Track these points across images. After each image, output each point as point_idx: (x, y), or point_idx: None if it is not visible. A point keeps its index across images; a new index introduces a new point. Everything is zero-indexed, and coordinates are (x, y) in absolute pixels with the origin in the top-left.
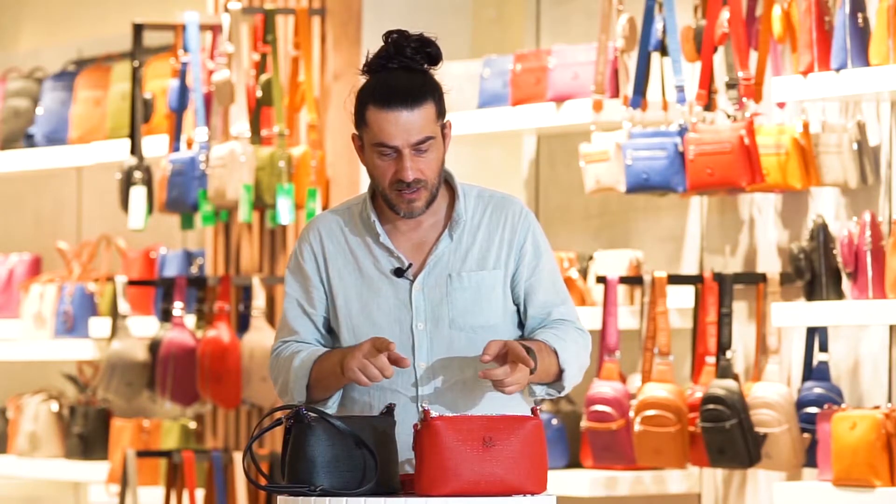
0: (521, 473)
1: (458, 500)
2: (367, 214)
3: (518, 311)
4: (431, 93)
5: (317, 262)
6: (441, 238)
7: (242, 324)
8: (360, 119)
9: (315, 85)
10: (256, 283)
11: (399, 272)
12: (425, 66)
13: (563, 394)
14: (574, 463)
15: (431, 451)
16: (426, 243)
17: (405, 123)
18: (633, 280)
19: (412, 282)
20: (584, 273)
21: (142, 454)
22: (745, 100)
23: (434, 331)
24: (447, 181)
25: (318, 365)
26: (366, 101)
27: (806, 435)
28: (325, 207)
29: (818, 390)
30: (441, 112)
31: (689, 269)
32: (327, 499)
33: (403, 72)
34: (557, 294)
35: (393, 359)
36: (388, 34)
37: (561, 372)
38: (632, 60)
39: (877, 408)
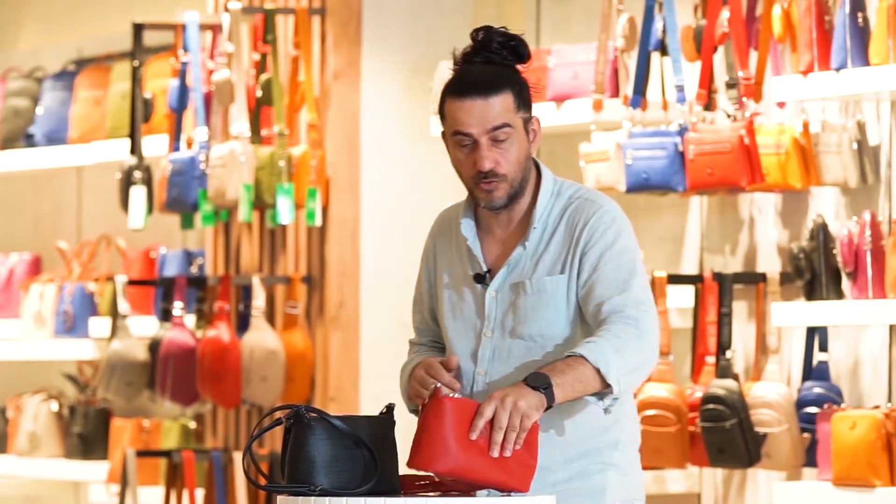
0: (515, 470)
1: (458, 500)
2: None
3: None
4: (510, 83)
5: (428, 258)
6: (518, 244)
7: (242, 323)
8: (441, 112)
9: (315, 85)
10: (256, 282)
11: (479, 278)
12: (512, 61)
13: (620, 394)
14: None
15: (435, 425)
16: (509, 249)
17: (480, 111)
18: None
19: (488, 288)
20: None
21: (142, 454)
22: (745, 99)
23: (499, 339)
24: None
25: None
26: (445, 93)
27: (806, 435)
28: (325, 207)
29: (818, 390)
30: (522, 104)
31: (689, 268)
32: (327, 499)
33: (483, 64)
34: (616, 286)
35: (449, 369)
36: (476, 31)
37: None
38: (632, 60)
39: (877, 408)
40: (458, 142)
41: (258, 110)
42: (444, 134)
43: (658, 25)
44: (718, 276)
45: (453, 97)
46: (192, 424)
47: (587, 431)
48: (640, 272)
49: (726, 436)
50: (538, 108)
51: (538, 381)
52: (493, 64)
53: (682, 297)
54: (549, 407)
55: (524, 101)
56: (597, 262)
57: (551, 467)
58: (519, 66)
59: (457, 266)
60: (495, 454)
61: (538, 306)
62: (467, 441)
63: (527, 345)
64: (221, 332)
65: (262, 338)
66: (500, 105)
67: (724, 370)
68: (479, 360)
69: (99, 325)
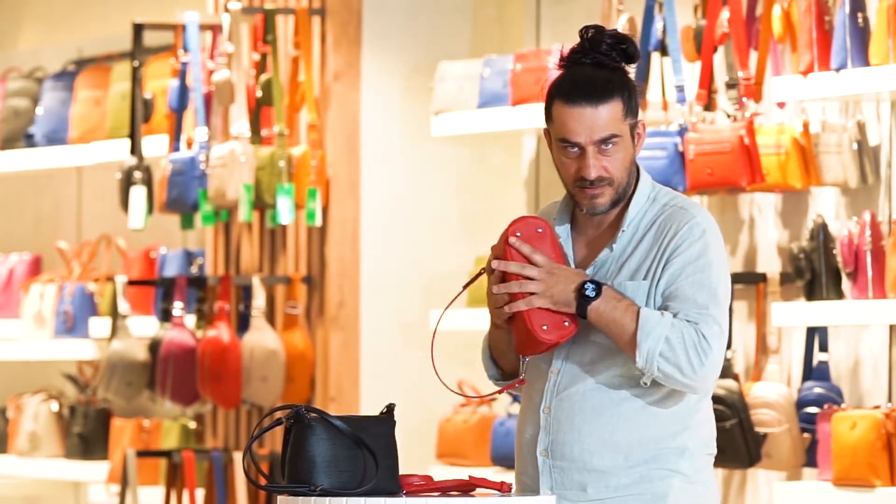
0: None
1: (458, 500)
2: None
3: None
4: (620, 90)
5: None
6: (605, 246)
7: (242, 324)
8: (548, 113)
9: (315, 85)
10: (256, 282)
11: None
12: (621, 63)
13: (646, 373)
14: None
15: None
16: (599, 249)
17: (589, 120)
18: None
19: None
20: None
21: (142, 454)
22: (745, 100)
23: (576, 339)
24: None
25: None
26: (553, 95)
27: (806, 435)
28: (325, 207)
29: (818, 390)
30: (630, 111)
31: None
32: (327, 499)
33: (593, 67)
34: (695, 303)
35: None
36: (585, 29)
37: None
38: None
39: (877, 408)
40: (564, 147)
41: (258, 110)
42: (547, 132)
43: (658, 25)
44: None
45: (562, 102)
46: (192, 424)
47: (651, 436)
48: (722, 294)
49: (726, 436)
50: (539, 109)
51: (586, 293)
52: (602, 66)
53: None
54: (576, 315)
55: (632, 107)
56: (678, 273)
57: (614, 471)
58: (627, 67)
59: None
60: (494, 265)
61: None
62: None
63: (602, 346)
64: (221, 332)
65: (262, 338)
66: (608, 114)
67: (724, 370)
68: (554, 358)
69: (99, 325)
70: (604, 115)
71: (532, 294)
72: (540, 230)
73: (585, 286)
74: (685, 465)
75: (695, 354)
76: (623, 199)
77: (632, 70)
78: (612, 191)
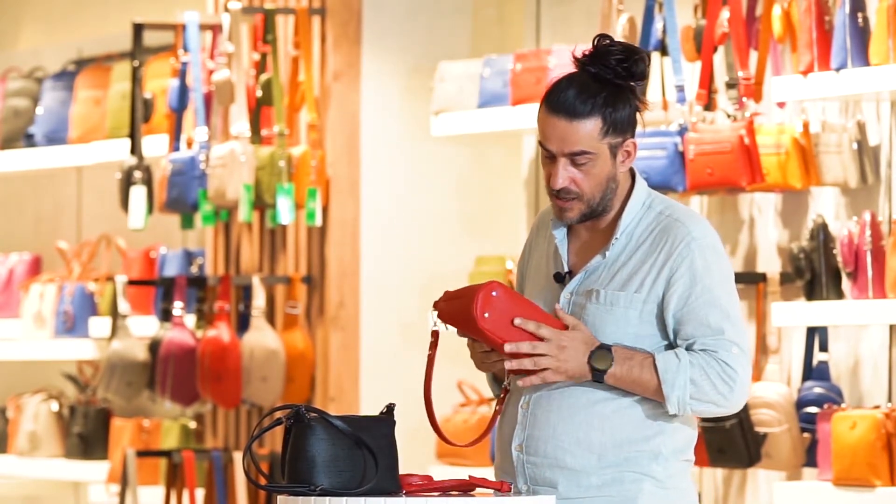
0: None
1: (458, 500)
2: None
3: (669, 337)
4: (602, 109)
5: (525, 251)
6: (598, 253)
7: (242, 323)
8: (538, 115)
9: (315, 85)
10: (256, 282)
11: (558, 277)
12: (624, 78)
13: (679, 415)
14: None
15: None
16: (592, 254)
17: (562, 132)
18: None
19: (563, 289)
20: None
21: (142, 454)
22: (745, 99)
23: None
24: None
25: None
26: (544, 98)
27: (806, 435)
28: (325, 207)
29: (818, 390)
30: (613, 130)
31: None
32: (327, 499)
33: (591, 78)
34: (709, 326)
35: None
36: (598, 37)
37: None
38: None
39: (877, 408)
40: (542, 152)
41: (258, 110)
42: None
43: (658, 25)
44: None
45: (545, 108)
46: (192, 424)
47: (626, 438)
48: (733, 309)
49: (726, 436)
50: (535, 108)
51: (601, 362)
52: (600, 79)
53: None
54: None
55: (616, 126)
56: (686, 295)
57: (586, 470)
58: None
59: (544, 263)
60: (507, 349)
61: (606, 318)
62: (508, 320)
63: None
64: (221, 332)
65: (262, 338)
66: (583, 131)
67: None
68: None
69: (99, 325)
70: (578, 131)
71: (545, 369)
72: (495, 294)
73: (595, 358)
74: (658, 469)
75: (722, 384)
76: (601, 213)
77: (639, 86)
78: (580, 205)
